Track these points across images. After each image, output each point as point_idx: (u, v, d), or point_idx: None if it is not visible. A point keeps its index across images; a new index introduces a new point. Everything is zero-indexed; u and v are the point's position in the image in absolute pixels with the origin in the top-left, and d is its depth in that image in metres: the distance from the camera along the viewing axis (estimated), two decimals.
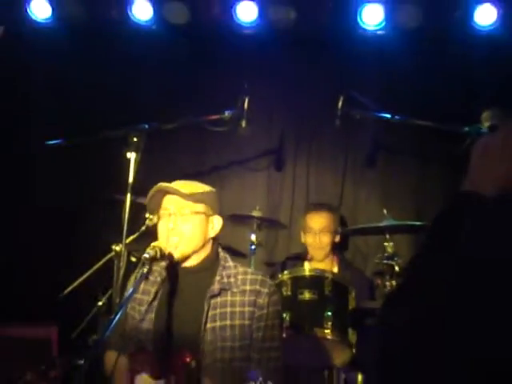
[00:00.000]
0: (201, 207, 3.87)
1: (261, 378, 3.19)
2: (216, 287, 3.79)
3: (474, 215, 1.65)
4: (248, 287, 3.84)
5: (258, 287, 3.83)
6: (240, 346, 3.75)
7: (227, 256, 4.03)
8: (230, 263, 3.96)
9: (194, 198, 3.84)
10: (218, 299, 3.79)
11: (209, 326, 3.74)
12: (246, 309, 3.79)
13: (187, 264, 3.88)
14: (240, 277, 3.88)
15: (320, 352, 5.17)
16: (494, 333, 1.46)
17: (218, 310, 3.78)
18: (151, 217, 4.25)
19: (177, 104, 6.13)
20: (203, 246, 3.90)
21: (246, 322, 3.76)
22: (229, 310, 3.79)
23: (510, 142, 1.76)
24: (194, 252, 3.87)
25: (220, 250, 4.04)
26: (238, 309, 3.79)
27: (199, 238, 3.86)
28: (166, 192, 3.86)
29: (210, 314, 3.76)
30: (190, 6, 6.18)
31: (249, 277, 3.88)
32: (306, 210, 6.18)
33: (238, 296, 3.81)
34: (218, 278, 3.85)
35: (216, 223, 3.95)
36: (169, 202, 3.87)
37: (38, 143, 5.24)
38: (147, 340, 3.80)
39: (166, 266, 3.94)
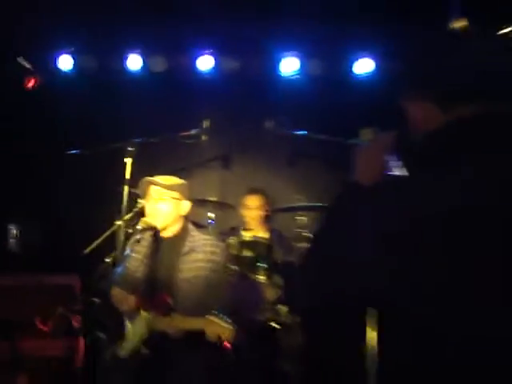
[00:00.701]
0: (175, 194, 4.13)
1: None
2: (186, 249, 4.06)
3: (356, 197, 1.62)
4: (208, 249, 4.09)
5: (214, 249, 4.11)
6: (204, 289, 3.96)
7: (193, 227, 4.28)
8: (196, 232, 4.22)
9: (170, 187, 4.12)
10: (188, 257, 4.03)
11: (181, 276, 3.97)
12: (208, 265, 4.03)
13: (165, 234, 4.17)
14: (202, 242, 4.13)
15: (257, 291, 5.32)
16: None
17: (188, 265, 4.01)
18: (141, 201, 4.32)
19: (158, 125, 6.08)
20: (176, 221, 4.18)
21: (207, 273, 4.00)
22: (195, 265, 4.02)
23: (381, 152, 1.75)
24: (170, 225, 4.15)
25: (188, 223, 4.28)
26: (201, 264, 4.03)
27: (173, 216, 4.14)
28: (151, 183, 4.13)
29: (181, 267, 4.00)
30: (167, 59, 6.48)
31: (208, 242, 4.14)
32: (245, 193, 6.39)
33: (201, 254, 4.05)
34: (187, 242, 4.10)
35: (185, 205, 4.21)
36: (153, 190, 4.12)
37: (63, 153, 5.61)
38: (140, 284, 4.04)
39: (151, 234, 4.18)
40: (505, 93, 1.56)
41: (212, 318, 3.53)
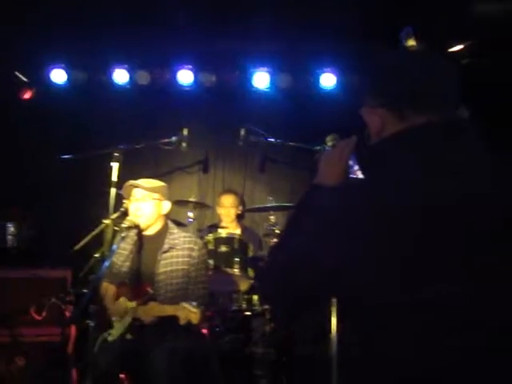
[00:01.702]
0: (156, 195, 4.15)
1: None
2: (166, 246, 4.11)
3: (320, 196, 1.61)
4: (186, 245, 4.14)
5: (192, 245, 4.15)
6: (181, 282, 4.06)
7: (174, 225, 4.31)
8: (175, 230, 4.25)
9: (151, 189, 4.15)
10: (168, 254, 4.09)
11: (161, 270, 4.05)
12: (186, 259, 4.10)
13: (148, 233, 4.19)
14: (181, 239, 4.17)
15: (232, 282, 5.40)
16: None
17: (168, 261, 4.08)
18: (125, 202, 4.24)
19: (142, 133, 6.19)
20: (157, 220, 4.19)
21: (185, 267, 4.08)
22: (174, 260, 4.09)
23: (342, 157, 1.77)
24: (152, 224, 4.17)
25: (169, 222, 4.31)
26: (180, 259, 4.09)
27: (155, 215, 4.16)
28: (134, 186, 4.15)
29: (162, 262, 4.07)
30: (151, 73, 6.41)
31: (187, 239, 4.19)
32: (220, 193, 6.48)
33: (180, 251, 4.11)
34: (167, 240, 4.14)
35: (166, 205, 4.23)
36: (136, 192, 4.15)
37: (56, 158, 5.57)
38: (125, 278, 4.14)
39: (136, 232, 4.20)
40: (450, 103, 1.59)
41: (183, 304, 3.64)
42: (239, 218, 6.45)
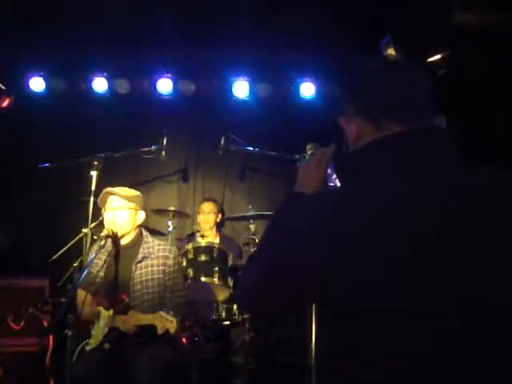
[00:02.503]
0: (132, 205, 4.10)
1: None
2: (140, 256, 4.05)
3: (299, 203, 1.59)
4: (161, 254, 4.09)
5: (167, 253, 4.11)
6: (158, 290, 4.01)
7: (148, 234, 4.25)
8: (150, 239, 4.20)
9: (127, 198, 4.09)
10: (142, 263, 4.04)
11: (137, 280, 3.99)
12: (161, 268, 4.06)
13: (123, 242, 4.12)
14: (156, 247, 4.12)
15: (211, 292, 5.34)
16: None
17: (143, 270, 4.03)
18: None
19: (121, 141, 6.04)
20: (133, 229, 4.13)
21: (161, 276, 4.04)
22: (149, 269, 4.04)
23: (320, 165, 1.79)
24: (127, 233, 4.10)
25: (143, 231, 4.25)
26: (155, 268, 4.05)
27: (131, 224, 4.09)
28: (110, 193, 4.10)
29: (137, 272, 4.01)
30: (130, 82, 6.46)
31: (161, 247, 4.14)
32: (201, 201, 6.43)
33: (155, 260, 4.07)
34: (141, 249, 4.08)
35: (141, 216, 4.18)
36: (112, 200, 4.09)
37: (34, 166, 5.57)
38: (101, 287, 4.05)
39: (110, 241, 4.09)
40: (426, 112, 1.59)
41: (160, 313, 3.65)
42: (219, 226, 6.42)
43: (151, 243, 4.17)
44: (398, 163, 1.49)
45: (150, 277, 4.05)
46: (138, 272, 4.04)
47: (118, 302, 3.92)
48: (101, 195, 4.16)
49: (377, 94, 1.59)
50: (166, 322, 3.60)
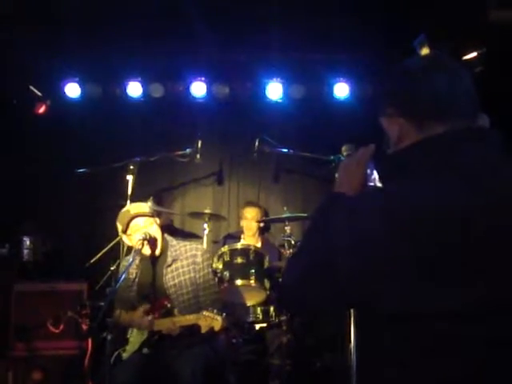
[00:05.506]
0: (156, 219, 4.13)
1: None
2: (169, 260, 4.10)
3: (339, 203, 1.57)
4: (189, 253, 4.15)
5: (194, 252, 4.17)
6: (192, 290, 4.08)
7: (172, 238, 4.29)
8: (174, 242, 4.24)
9: (149, 213, 4.09)
10: (173, 266, 4.10)
11: (170, 283, 4.05)
12: (191, 267, 4.12)
13: (155, 254, 4.10)
14: (183, 249, 4.18)
15: (248, 294, 5.30)
16: None
17: (174, 273, 4.09)
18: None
19: (156, 145, 6.12)
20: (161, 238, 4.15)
21: (192, 275, 4.11)
22: (180, 270, 4.10)
23: (360, 165, 1.77)
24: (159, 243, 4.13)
25: (165, 235, 4.24)
26: (185, 268, 4.11)
27: (160, 235, 4.10)
28: (133, 217, 4.01)
29: (168, 276, 4.07)
30: (164, 86, 6.44)
31: (188, 247, 4.20)
32: (244, 205, 6.38)
33: (185, 260, 4.13)
34: (169, 253, 4.12)
35: (159, 221, 4.18)
36: (137, 222, 4.00)
37: (71, 171, 5.65)
38: (135, 301, 4.09)
39: (147, 255, 4.08)
40: (470, 111, 1.54)
41: (204, 312, 3.68)
42: (262, 230, 6.41)
43: (177, 246, 4.22)
44: (446, 164, 1.44)
45: (182, 278, 4.10)
46: (170, 275, 4.10)
47: (160, 307, 3.97)
48: (121, 218, 4.09)
49: (424, 94, 1.54)
50: (212, 320, 3.63)
